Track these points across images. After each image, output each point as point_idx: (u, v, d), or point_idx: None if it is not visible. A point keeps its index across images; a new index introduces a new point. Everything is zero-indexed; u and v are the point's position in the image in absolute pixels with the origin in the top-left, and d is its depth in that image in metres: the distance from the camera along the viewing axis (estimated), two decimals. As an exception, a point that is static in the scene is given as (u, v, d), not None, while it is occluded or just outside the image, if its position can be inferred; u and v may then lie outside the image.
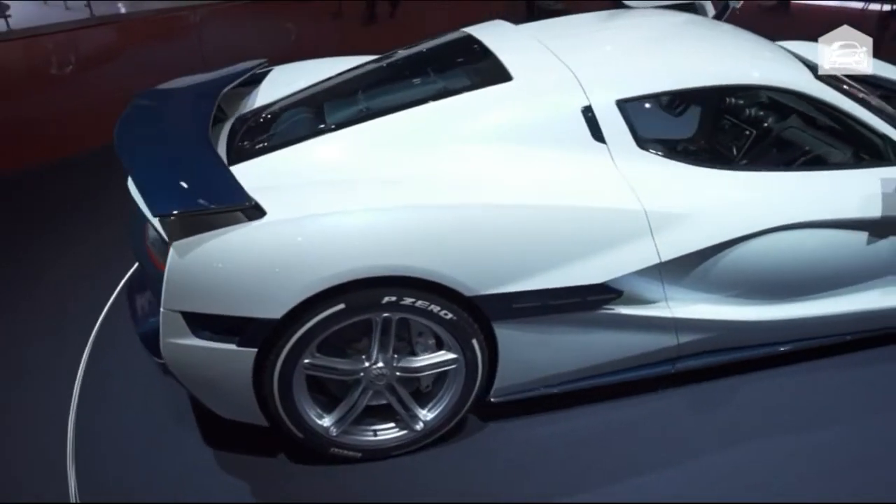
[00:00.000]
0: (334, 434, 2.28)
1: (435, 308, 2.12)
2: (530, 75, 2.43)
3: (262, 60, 3.32)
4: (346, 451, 2.33)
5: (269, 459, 2.39)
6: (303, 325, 2.05)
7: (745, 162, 2.72)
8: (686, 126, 2.86)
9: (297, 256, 1.99)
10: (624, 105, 2.36)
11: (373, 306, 2.08)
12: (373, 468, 2.36)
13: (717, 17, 3.78)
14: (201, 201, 1.98)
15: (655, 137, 2.48)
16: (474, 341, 2.21)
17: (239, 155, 2.38)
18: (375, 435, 2.36)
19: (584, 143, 2.32)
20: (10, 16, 8.18)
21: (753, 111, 2.80)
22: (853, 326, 2.69)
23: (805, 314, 2.56)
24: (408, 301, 2.09)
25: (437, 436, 2.39)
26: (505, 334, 2.24)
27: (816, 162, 2.62)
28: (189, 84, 2.85)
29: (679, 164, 2.38)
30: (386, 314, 2.12)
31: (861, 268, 2.57)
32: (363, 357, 2.22)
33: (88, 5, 9.00)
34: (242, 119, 2.75)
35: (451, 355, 2.24)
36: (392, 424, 2.36)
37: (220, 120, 2.72)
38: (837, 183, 2.47)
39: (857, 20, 4.29)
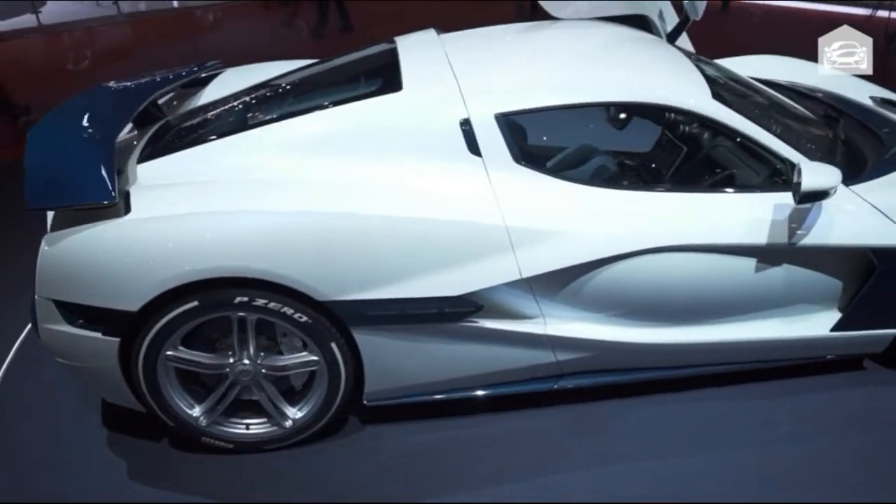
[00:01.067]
0: (204, 424, 2.39)
1: (288, 311, 2.20)
2: (418, 87, 2.47)
3: (215, 62, 3.49)
4: (217, 442, 2.44)
5: (153, 445, 2.53)
6: (160, 318, 2.17)
7: (627, 182, 2.66)
8: (573, 142, 2.82)
9: (152, 253, 2.11)
10: (503, 119, 2.36)
11: (225, 305, 2.18)
12: (245, 461, 2.46)
13: (677, 30, 3.71)
14: (67, 197, 2.13)
15: (536, 152, 2.47)
16: (333, 345, 2.28)
17: (153, 153, 2.52)
18: (248, 429, 2.45)
19: (459, 156, 2.34)
20: (41, 11, 8.69)
21: (650, 130, 2.75)
22: (749, 356, 2.60)
23: (691, 340, 2.49)
24: (260, 302, 2.18)
25: (309, 434, 2.46)
26: (365, 340, 2.30)
27: (706, 184, 2.54)
28: (130, 84, 3.02)
29: (556, 181, 2.36)
30: (241, 313, 2.21)
31: (750, 296, 2.48)
32: (229, 353, 2.32)
33: (116, 4, 9.52)
34: (177, 118, 2.89)
35: (313, 357, 2.32)
36: (264, 419, 2.45)
37: (157, 119, 2.87)
38: (724, 207, 2.39)
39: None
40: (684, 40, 3.84)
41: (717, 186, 2.48)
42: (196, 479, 2.41)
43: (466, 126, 2.35)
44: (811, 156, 2.51)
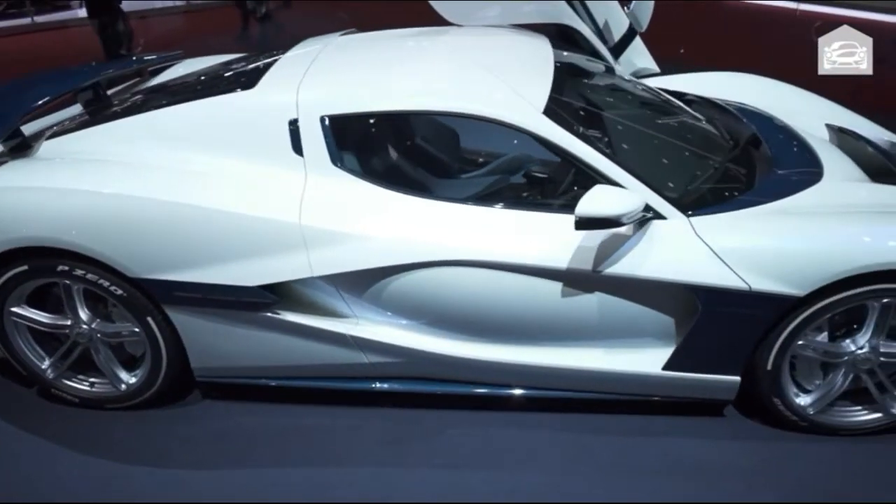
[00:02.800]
0: (51, 376, 2.66)
1: (105, 283, 2.41)
2: (266, 87, 2.59)
3: (176, 52, 3.79)
4: (64, 394, 2.71)
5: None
6: None
7: (444, 192, 2.60)
8: (400, 149, 2.78)
9: None
10: (327, 121, 2.43)
11: (50, 272, 2.43)
12: (87, 415, 2.72)
13: (623, 42, 3.58)
14: None
15: (356, 156, 2.50)
16: (149, 319, 2.47)
17: (60, 131, 2.81)
18: (92, 386, 2.70)
19: (283, 155, 2.45)
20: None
21: (479, 142, 2.68)
22: (575, 384, 2.50)
23: (502, 359, 2.45)
24: (79, 272, 2.41)
25: (145, 398, 2.67)
26: (179, 318, 2.47)
27: (524, 202, 2.46)
28: (83, 69, 3.37)
29: (368, 185, 2.41)
30: (66, 281, 2.45)
31: (564, 322, 2.39)
32: (67, 315, 2.58)
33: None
34: (104, 103, 3.19)
35: (133, 328, 2.52)
36: (105, 380, 2.69)
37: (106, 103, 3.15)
38: (535, 226, 2.33)
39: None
40: (639, 51, 3.71)
41: (534, 205, 2.41)
42: (30, 421, 2.68)
43: (294, 126, 2.45)
44: (656, 181, 2.39)
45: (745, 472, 2.42)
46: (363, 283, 2.41)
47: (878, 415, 2.48)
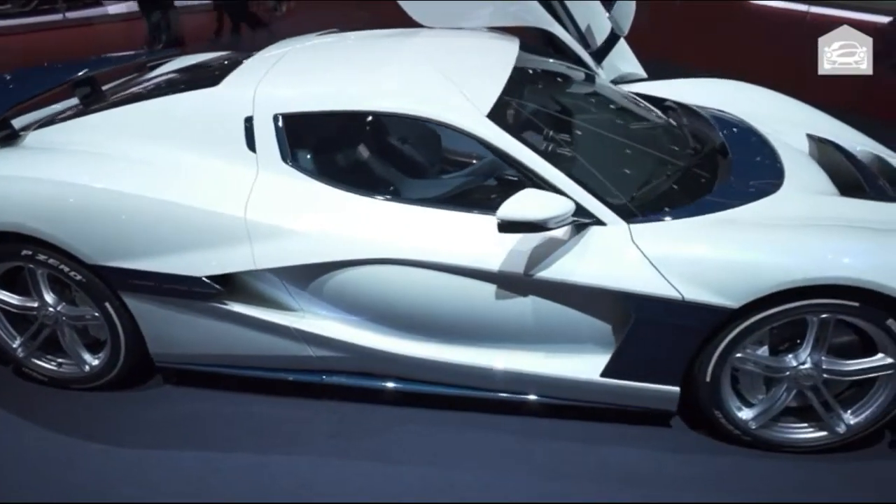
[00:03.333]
0: (21, 355, 2.80)
1: (65, 268, 2.53)
2: (229, 84, 2.67)
3: (174, 51, 3.93)
4: (34, 373, 2.84)
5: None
6: None
7: (390, 193, 2.63)
8: (350, 149, 2.80)
9: None
10: (281, 119, 2.50)
11: (15, 256, 2.56)
12: (56, 394, 2.85)
13: (605, 47, 3.55)
14: None
15: (305, 154, 2.54)
16: (107, 304, 2.58)
17: (47, 122, 2.95)
18: (59, 367, 2.83)
19: (238, 150, 2.52)
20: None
21: (426, 141, 2.70)
22: (515, 386, 2.51)
23: (443, 358, 2.47)
24: (42, 257, 2.53)
25: (106, 380, 2.79)
26: (135, 305, 2.57)
27: (463, 204, 2.47)
28: (80, 62, 3.52)
29: (314, 183, 2.46)
30: (31, 265, 2.58)
31: (500, 324, 2.40)
32: (34, 298, 2.71)
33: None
34: (96, 97, 3.33)
35: (94, 312, 2.63)
36: (72, 361, 2.82)
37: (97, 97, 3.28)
38: (472, 228, 2.34)
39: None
40: (624, 56, 3.68)
41: (474, 207, 2.42)
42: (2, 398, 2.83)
43: (249, 124, 2.52)
44: (601, 187, 2.39)
45: (680, 484, 2.39)
46: (307, 278, 2.47)
47: (824, 433, 2.43)
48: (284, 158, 2.49)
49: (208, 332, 2.59)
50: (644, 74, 3.76)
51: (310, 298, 2.51)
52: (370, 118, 2.50)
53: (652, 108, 3.22)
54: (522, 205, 2.13)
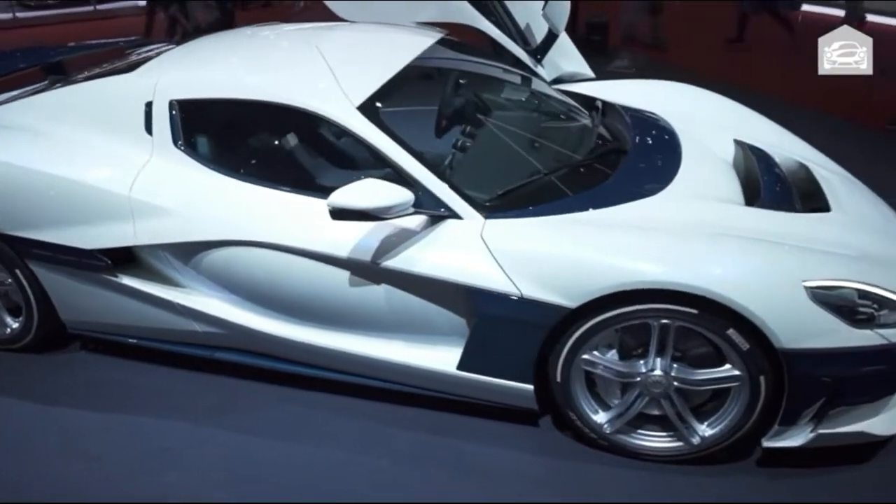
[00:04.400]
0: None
1: None
2: (141, 71, 2.83)
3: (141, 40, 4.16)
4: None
5: None
6: None
7: (265, 178, 2.62)
8: (236, 135, 2.87)
9: None
10: (176, 106, 2.64)
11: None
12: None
13: (544, 46, 3.54)
14: None
15: (193, 139, 2.64)
16: (17, 271, 2.78)
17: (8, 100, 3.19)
18: (-8, 330, 3.07)
19: (137, 133, 2.67)
20: None
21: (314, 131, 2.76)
22: (379, 373, 2.56)
23: (312, 341, 2.56)
24: None
25: (25, 343, 2.99)
26: (41, 273, 2.76)
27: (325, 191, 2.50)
28: (55, 49, 3.79)
29: (198, 166, 2.59)
30: None
31: (358, 310, 2.46)
32: None
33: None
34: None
35: (8, 279, 2.84)
36: (-2, 321, 3.05)
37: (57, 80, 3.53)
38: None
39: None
40: (568, 56, 3.66)
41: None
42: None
43: (148, 108, 2.67)
44: (466, 182, 2.42)
45: (531, 483, 2.39)
46: (189, 257, 2.60)
47: (680, 444, 2.38)
48: (175, 142, 2.63)
49: (106, 302, 2.75)
50: (590, 74, 3.72)
51: (193, 276, 2.64)
52: (257, 107, 2.59)
53: (575, 107, 3.20)
54: (353, 193, 2.19)
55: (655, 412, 2.39)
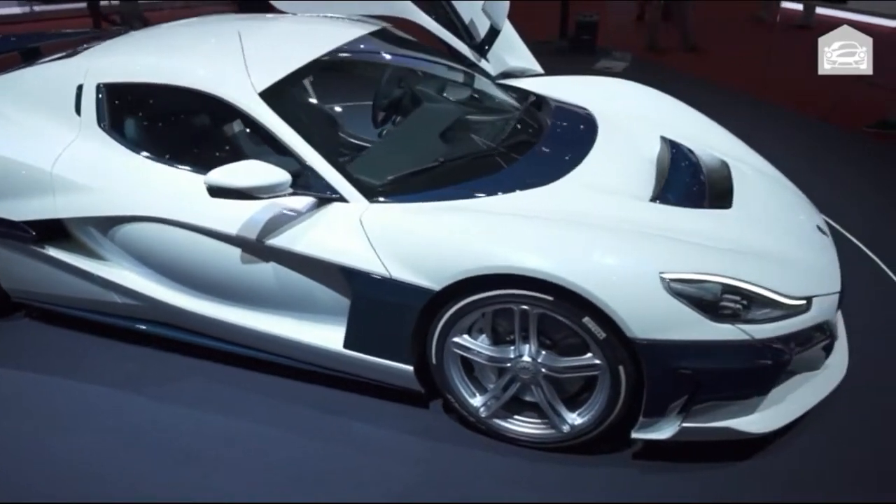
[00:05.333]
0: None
1: None
2: (83, 55, 3.02)
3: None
4: None
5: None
6: None
7: (175, 160, 2.72)
8: (152, 117, 2.96)
9: None
10: (102, 89, 2.79)
11: None
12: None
13: (487, 41, 3.59)
14: None
15: (116, 120, 2.77)
16: None
17: None
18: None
19: (68, 114, 2.84)
20: None
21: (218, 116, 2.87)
22: (274, 348, 2.66)
23: (214, 315, 2.68)
24: None
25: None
26: None
27: None
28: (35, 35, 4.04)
29: (118, 146, 2.73)
30: None
31: (250, 286, 2.56)
32: None
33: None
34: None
35: None
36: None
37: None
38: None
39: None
40: (515, 52, 3.71)
41: None
42: None
43: (79, 91, 2.84)
44: (357, 168, 2.51)
45: (409, 462, 2.45)
46: (106, 231, 2.75)
47: (552, 431, 2.40)
48: (99, 123, 2.78)
49: (38, 272, 2.93)
50: (539, 70, 3.75)
51: (112, 250, 2.80)
52: (170, 91, 2.73)
53: (504, 101, 3.25)
54: (229, 172, 2.29)
55: (529, 399, 2.43)
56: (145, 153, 2.72)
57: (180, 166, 2.65)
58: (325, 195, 2.44)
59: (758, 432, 2.29)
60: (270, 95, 2.58)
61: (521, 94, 3.40)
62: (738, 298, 2.19)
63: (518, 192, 2.49)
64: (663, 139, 3.09)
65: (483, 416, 2.45)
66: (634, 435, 2.31)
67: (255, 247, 2.48)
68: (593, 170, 2.69)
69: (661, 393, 2.21)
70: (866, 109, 5.79)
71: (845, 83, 5.31)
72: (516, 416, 2.46)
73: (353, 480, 2.38)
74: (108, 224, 2.73)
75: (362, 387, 2.69)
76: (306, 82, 2.77)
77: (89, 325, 3.10)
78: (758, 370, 2.21)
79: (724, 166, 2.94)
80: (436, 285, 2.24)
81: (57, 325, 3.19)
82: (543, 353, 2.32)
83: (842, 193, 4.43)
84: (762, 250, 2.42)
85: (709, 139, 3.20)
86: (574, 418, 2.36)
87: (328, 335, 2.54)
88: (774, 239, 2.52)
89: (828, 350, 2.51)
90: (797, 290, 2.31)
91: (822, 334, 2.38)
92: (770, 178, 3.04)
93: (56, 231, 2.84)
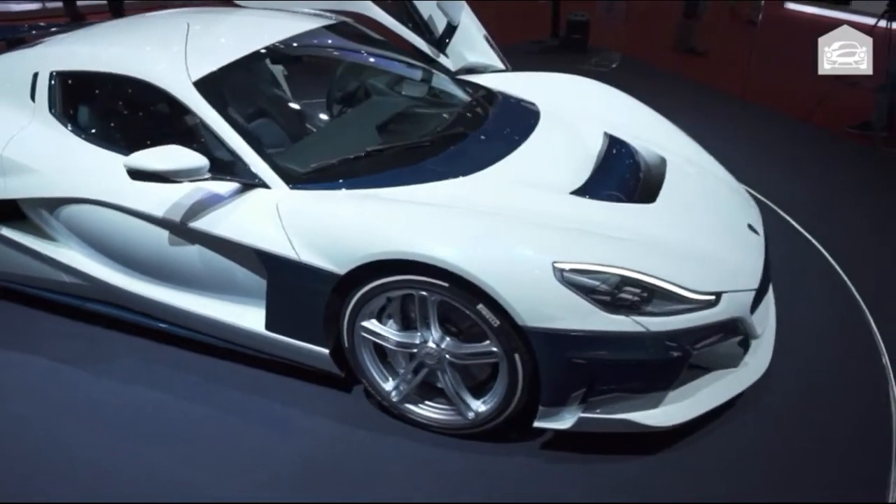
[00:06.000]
0: None
1: None
2: (45, 43, 3.16)
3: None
4: None
5: None
6: None
7: (115, 145, 2.82)
8: (97, 104, 3.04)
9: None
10: (55, 76, 2.92)
11: None
12: None
13: (445, 36, 3.64)
14: None
15: (63, 106, 2.89)
16: None
17: None
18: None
19: (24, 101, 2.97)
20: None
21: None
22: (205, 329, 2.74)
23: (150, 295, 2.78)
24: None
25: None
26: None
27: None
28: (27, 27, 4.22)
29: (65, 131, 2.85)
30: None
31: (178, 267, 2.65)
32: None
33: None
34: None
35: None
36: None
37: None
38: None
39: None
40: (476, 48, 3.75)
41: None
42: None
43: (34, 78, 2.97)
44: (283, 156, 2.59)
45: (321, 443, 2.51)
46: (53, 212, 2.87)
47: (459, 417, 2.44)
48: (50, 109, 2.91)
49: None
50: (499, 66, 3.77)
51: (60, 231, 2.92)
52: (113, 78, 2.85)
53: (454, 94, 3.29)
54: (147, 155, 2.37)
55: (440, 385, 2.47)
56: (88, 138, 2.83)
57: (117, 151, 2.76)
58: (249, 181, 2.52)
59: (659, 426, 2.29)
60: (205, 84, 2.66)
61: (475, 88, 3.43)
62: (637, 291, 2.20)
63: (434, 183, 2.53)
64: (606, 135, 3.09)
65: (395, 400, 2.50)
66: (536, 424, 2.33)
67: (182, 229, 2.57)
68: (519, 163, 2.72)
69: (558, 382, 2.23)
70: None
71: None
72: (427, 402, 2.51)
73: (265, 458, 2.45)
74: (54, 205, 2.85)
75: (290, 370, 2.75)
76: (261, 71, 2.86)
77: (46, 303, 3.23)
78: (654, 363, 2.21)
79: (663, 163, 2.94)
80: (340, 269, 2.30)
81: (14, 301, 3.32)
82: (448, 339, 2.35)
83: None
84: (675, 244, 2.42)
85: (658, 137, 3.19)
86: (478, 405, 2.39)
87: (252, 317, 2.61)
88: (692, 234, 2.51)
89: (745, 347, 2.50)
90: (705, 285, 2.31)
91: (730, 331, 2.37)
92: (712, 176, 3.02)
93: (12, 211, 2.98)
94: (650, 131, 3.24)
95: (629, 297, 2.19)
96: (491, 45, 3.82)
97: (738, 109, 6.09)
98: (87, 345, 3.05)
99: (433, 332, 2.35)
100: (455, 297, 2.21)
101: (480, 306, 2.18)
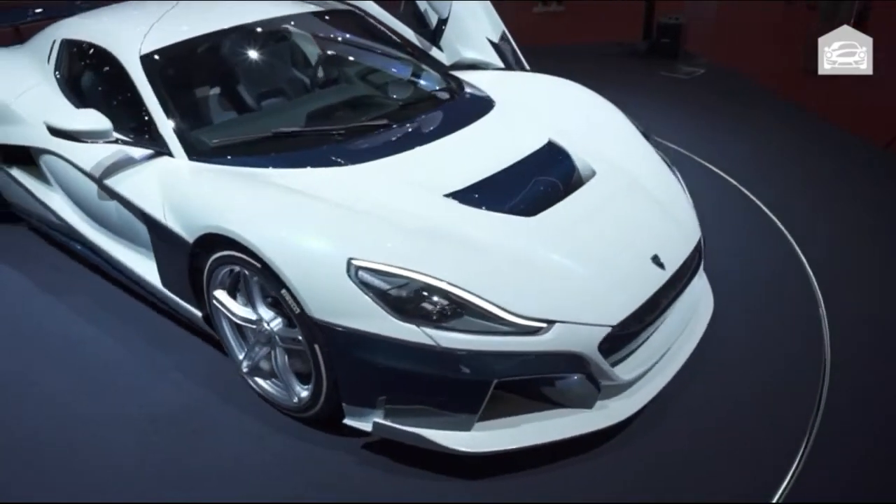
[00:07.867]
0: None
1: None
2: (78, 16, 3.64)
3: None
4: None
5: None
6: None
7: (82, 101, 3.19)
8: (80, 67, 3.37)
9: None
10: (64, 44, 3.38)
11: None
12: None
13: (437, 30, 3.62)
14: None
15: (60, 69, 3.32)
16: None
17: None
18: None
19: (43, 63, 3.47)
20: None
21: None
22: (134, 279, 3.00)
23: (99, 244, 3.10)
24: None
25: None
26: None
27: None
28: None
29: (56, 90, 3.31)
30: None
31: (109, 222, 2.96)
32: None
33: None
34: None
35: None
36: None
37: None
38: None
39: None
40: (473, 45, 3.70)
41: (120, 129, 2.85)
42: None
43: (52, 44, 3.45)
44: (192, 131, 2.79)
45: (178, 396, 2.67)
46: (38, 158, 3.33)
47: (286, 397, 2.47)
48: (54, 71, 3.38)
49: (9, 189, 3.62)
50: (496, 63, 3.65)
51: (45, 175, 3.37)
52: (89, 46, 3.24)
53: (422, 88, 3.28)
54: (60, 115, 2.66)
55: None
56: (68, 97, 3.26)
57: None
58: (159, 149, 2.74)
59: (462, 451, 2.16)
60: (150, 58, 2.93)
61: (457, 83, 3.35)
62: (445, 303, 2.09)
63: (315, 168, 2.56)
64: (548, 142, 2.89)
65: (244, 371, 2.58)
66: (346, 421, 2.30)
67: (103, 185, 2.86)
68: (417, 158, 2.65)
69: (353, 381, 2.20)
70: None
71: None
72: (273, 379, 2.56)
73: (126, 397, 2.67)
74: (40, 154, 3.30)
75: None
76: (280, 52, 3.19)
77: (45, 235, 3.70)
78: (448, 381, 2.09)
79: (588, 178, 2.70)
80: (189, 237, 2.44)
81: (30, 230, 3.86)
82: (278, 320, 2.40)
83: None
84: (525, 262, 2.24)
85: (612, 152, 2.90)
86: (300, 390, 2.41)
87: (153, 271, 2.84)
88: (561, 255, 2.31)
89: (597, 386, 2.25)
90: (538, 310, 2.13)
91: (570, 367, 2.16)
92: (645, 200, 2.70)
93: (26, 156, 3.48)
94: (609, 145, 2.96)
95: (431, 307, 2.09)
96: (500, 45, 3.69)
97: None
98: (68, 278, 3.48)
99: (263, 311, 2.41)
100: (265, 279, 2.25)
101: (284, 291, 2.20)
